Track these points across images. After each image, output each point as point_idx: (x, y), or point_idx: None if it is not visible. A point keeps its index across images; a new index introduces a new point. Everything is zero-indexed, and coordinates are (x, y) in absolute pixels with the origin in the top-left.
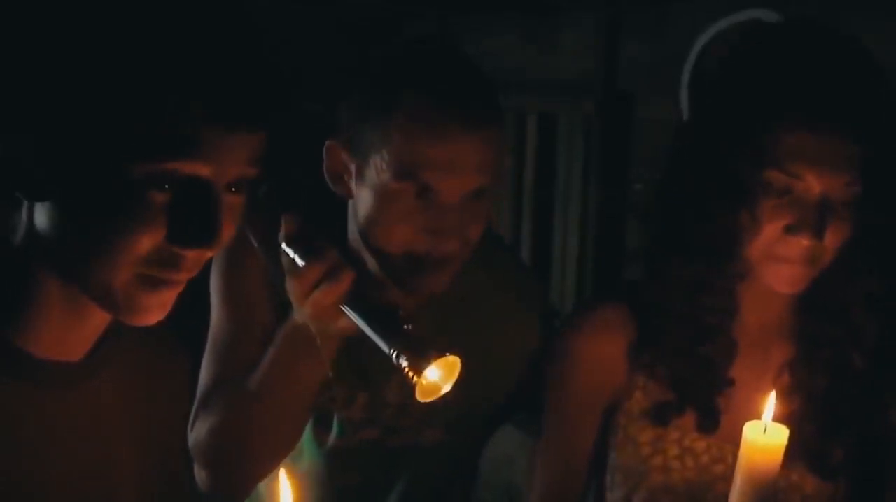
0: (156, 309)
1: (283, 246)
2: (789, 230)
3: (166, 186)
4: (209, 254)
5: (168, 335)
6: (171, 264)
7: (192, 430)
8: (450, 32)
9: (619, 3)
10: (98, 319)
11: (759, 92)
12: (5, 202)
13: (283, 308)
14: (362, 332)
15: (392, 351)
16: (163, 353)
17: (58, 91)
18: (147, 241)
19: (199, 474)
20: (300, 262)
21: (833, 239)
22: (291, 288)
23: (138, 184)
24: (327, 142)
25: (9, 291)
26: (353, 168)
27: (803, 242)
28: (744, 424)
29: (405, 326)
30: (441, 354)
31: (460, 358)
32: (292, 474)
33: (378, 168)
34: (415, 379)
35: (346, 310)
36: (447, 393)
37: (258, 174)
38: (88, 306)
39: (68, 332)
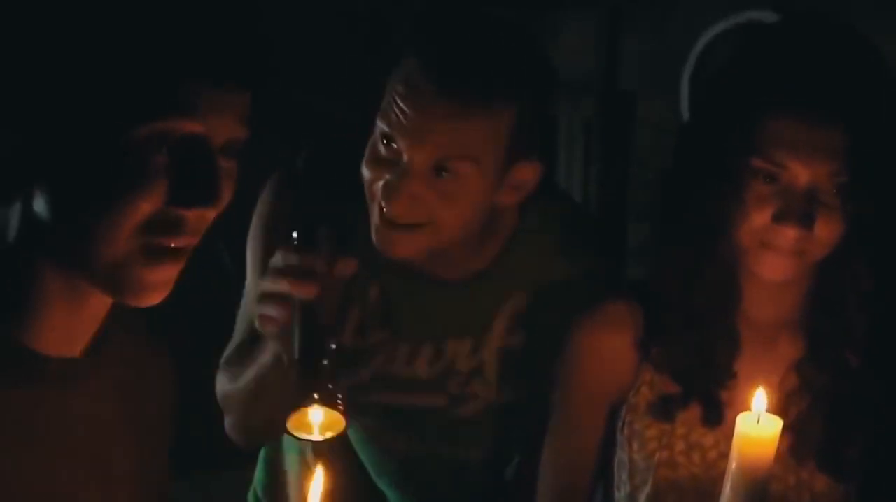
0: (159, 286)
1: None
2: (776, 219)
3: (164, 148)
4: (210, 215)
5: (155, 337)
6: (172, 228)
7: (216, 379)
8: None
9: (620, 2)
10: (96, 310)
11: (749, 80)
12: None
13: None
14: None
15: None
16: (151, 353)
17: (47, 62)
18: (147, 206)
19: (225, 420)
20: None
21: (824, 231)
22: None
23: (136, 148)
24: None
25: (9, 288)
26: None
27: (791, 232)
28: None
29: (324, 361)
30: (326, 403)
31: (345, 417)
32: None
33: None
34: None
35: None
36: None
37: (246, 138)
38: (88, 297)
39: (69, 326)
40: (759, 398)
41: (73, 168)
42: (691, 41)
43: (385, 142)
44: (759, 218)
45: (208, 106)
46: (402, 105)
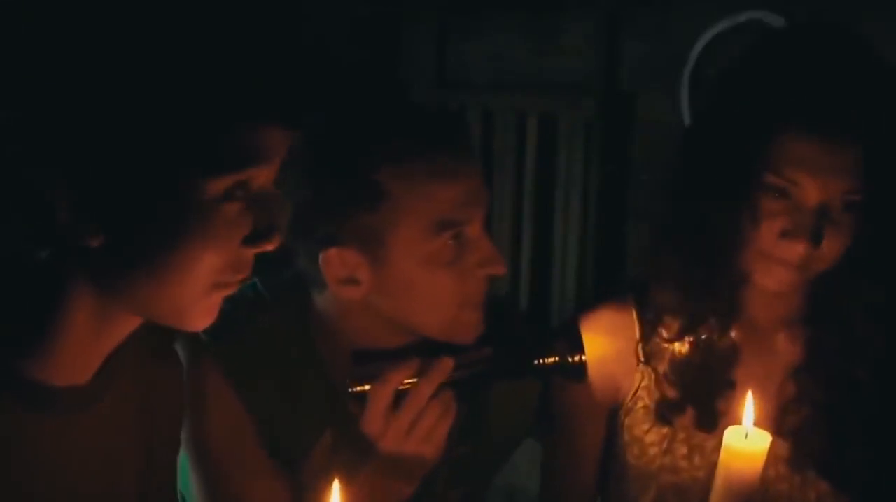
0: (210, 312)
1: (356, 389)
2: (784, 235)
3: (241, 193)
4: (271, 249)
5: (163, 340)
6: (241, 267)
7: None
8: (449, 33)
9: (620, 3)
10: (116, 338)
11: (761, 95)
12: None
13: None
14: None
15: (537, 360)
16: (158, 362)
17: (131, 121)
18: (221, 257)
19: None
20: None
21: (830, 246)
22: (397, 423)
23: (214, 200)
24: (322, 255)
25: (28, 318)
26: (366, 260)
27: (799, 247)
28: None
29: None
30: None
31: None
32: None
33: (409, 238)
34: (582, 358)
35: (464, 380)
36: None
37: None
38: (118, 324)
39: (84, 354)
40: (748, 412)
41: (153, 216)
42: (691, 41)
43: (450, 239)
44: (768, 233)
45: (278, 148)
46: (452, 192)
